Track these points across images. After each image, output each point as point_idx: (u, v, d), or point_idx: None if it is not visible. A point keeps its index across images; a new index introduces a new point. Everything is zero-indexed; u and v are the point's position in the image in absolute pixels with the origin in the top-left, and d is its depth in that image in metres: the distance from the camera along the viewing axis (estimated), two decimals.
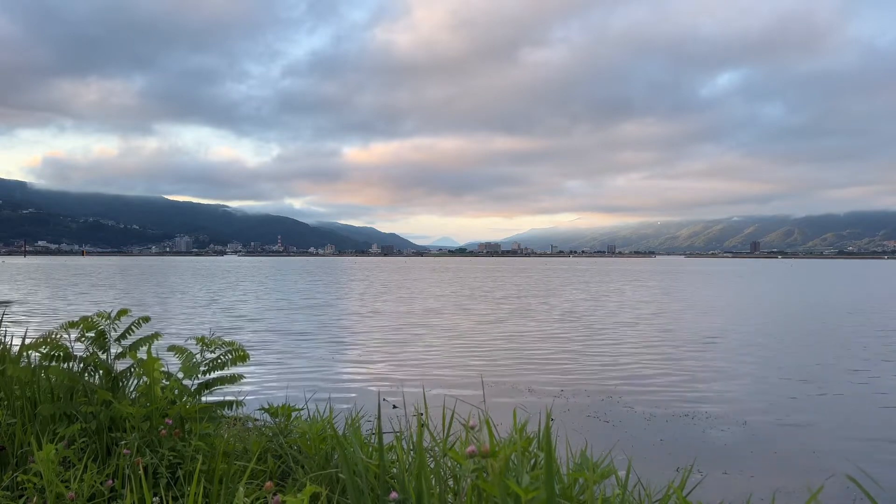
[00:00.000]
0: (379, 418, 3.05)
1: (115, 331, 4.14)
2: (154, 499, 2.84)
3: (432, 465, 2.94)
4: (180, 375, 3.91)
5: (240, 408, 4.20)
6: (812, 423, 9.55)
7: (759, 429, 9.22)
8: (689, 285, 56.11)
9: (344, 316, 26.50)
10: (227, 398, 4.19)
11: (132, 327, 4.19)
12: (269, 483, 2.60)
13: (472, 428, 2.63)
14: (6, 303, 30.41)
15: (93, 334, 4.04)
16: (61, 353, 3.94)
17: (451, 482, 2.89)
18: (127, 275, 75.18)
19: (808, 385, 12.41)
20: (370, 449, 3.46)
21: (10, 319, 17.23)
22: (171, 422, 3.53)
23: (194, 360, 3.97)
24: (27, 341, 4.26)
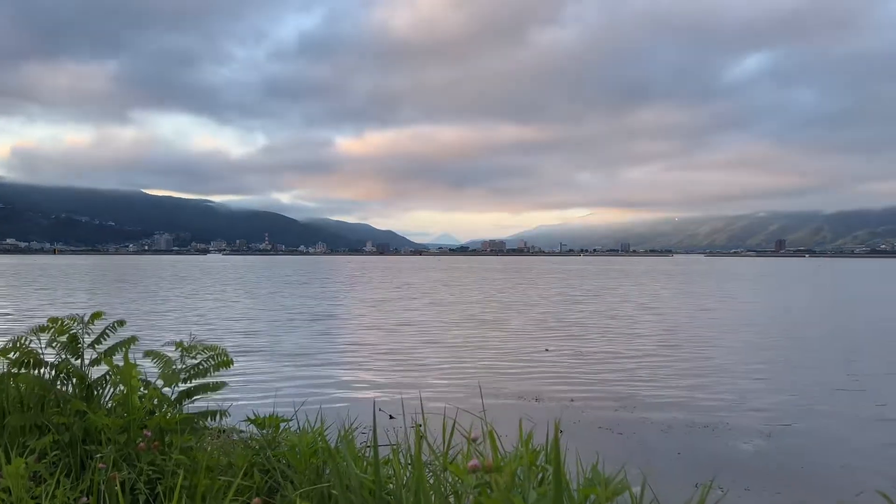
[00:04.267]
0: (374, 430, 3.05)
1: (89, 335, 4.14)
2: None
3: (432, 481, 2.94)
4: (159, 383, 3.91)
5: (224, 418, 4.20)
6: (842, 436, 9.55)
7: (786, 441, 9.23)
8: (707, 286, 56.09)
9: (336, 320, 26.51)
10: (210, 408, 4.19)
11: (107, 331, 4.19)
12: (256, 500, 2.61)
13: (475, 440, 2.63)
14: None
15: (65, 339, 4.04)
16: (31, 360, 3.94)
17: (451, 499, 2.89)
18: (101, 275, 75.25)
19: (839, 395, 12.41)
20: (365, 463, 3.46)
21: None
22: (149, 434, 3.53)
23: (174, 366, 3.97)
24: None
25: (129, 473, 3.31)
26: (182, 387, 3.99)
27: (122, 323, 4.27)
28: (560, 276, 79.15)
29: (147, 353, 4.06)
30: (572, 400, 11.70)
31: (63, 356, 4.03)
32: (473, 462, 2.00)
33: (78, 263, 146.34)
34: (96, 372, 4.12)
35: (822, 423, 10.19)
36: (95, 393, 4.05)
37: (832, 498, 6.87)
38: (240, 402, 10.05)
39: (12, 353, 3.94)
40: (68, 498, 3.05)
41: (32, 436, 3.77)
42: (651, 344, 19.21)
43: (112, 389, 4.08)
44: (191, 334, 4.25)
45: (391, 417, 9.34)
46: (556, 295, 43.11)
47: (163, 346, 4.27)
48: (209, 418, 4.12)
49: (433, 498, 2.61)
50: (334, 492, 3.07)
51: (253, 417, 4.34)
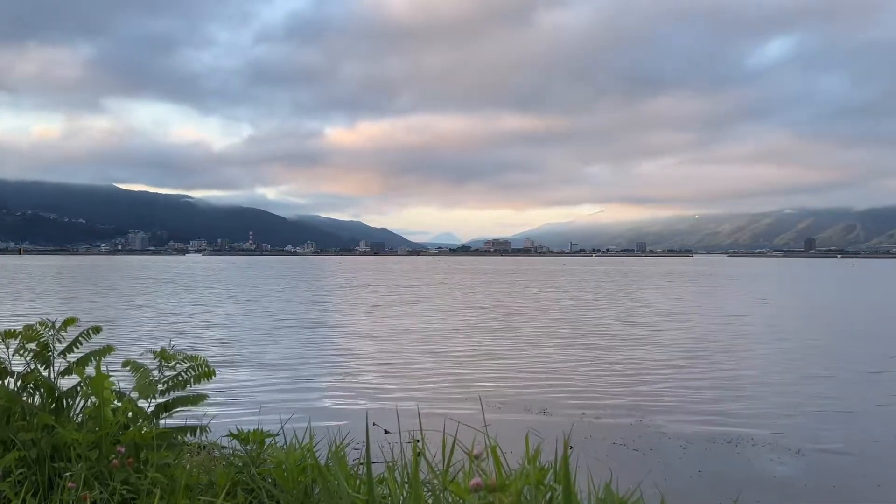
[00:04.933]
0: (368, 445, 3.05)
1: (61, 343, 4.14)
2: None
3: (430, 501, 2.95)
4: (135, 395, 3.92)
5: (204, 433, 4.21)
6: (877, 454, 9.55)
7: (817, 458, 9.23)
8: (734, 290, 56.09)
9: (327, 328, 26.52)
10: (190, 422, 4.19)
11: (80, 339, 4.20)
12: None
13: (477, 457, 2.63)
14: None
15: (34, 347, 4.04)
16: None
17: None
18: (71, 277, 75.27)
19: (876, 410, 12.41)
20: (357, 482, 3.46)
21: None
22: (123, 450, 3.53)
23: (151, 377, 3.98)
24: None
25: (101, 493, 3.32)
26: (159, 399, 3.99)
27: (97, 330, 4.27)
28: (571, 279, 79.16)
29: (124, 364, 4.06)
30: (583, 413, 11.70)
31: (31, 365, 4.04)
32: (476, 481, 2.01)
33: (45, 264, 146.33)
34: (67, 383, 4.12)
35: (856, 440, 10.19)
36: (65, 406, 4.05)
37: None
38: (222, 416, 10.06)
39: None
40: None
41: None
42: (671, 353, 19.21)
43: (83, 402, 4.08)
44: (169, 343, 4.26)
45: (386, 432, 9.33)
46: (568, 299, 43.13)
47: (139, 355, 4.28)
48: (188, 433, 4.13)
49: None
50: None
51: (236, 432, 4.34)
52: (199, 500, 3.49)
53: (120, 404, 3.90)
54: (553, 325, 26.64)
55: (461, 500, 2.43)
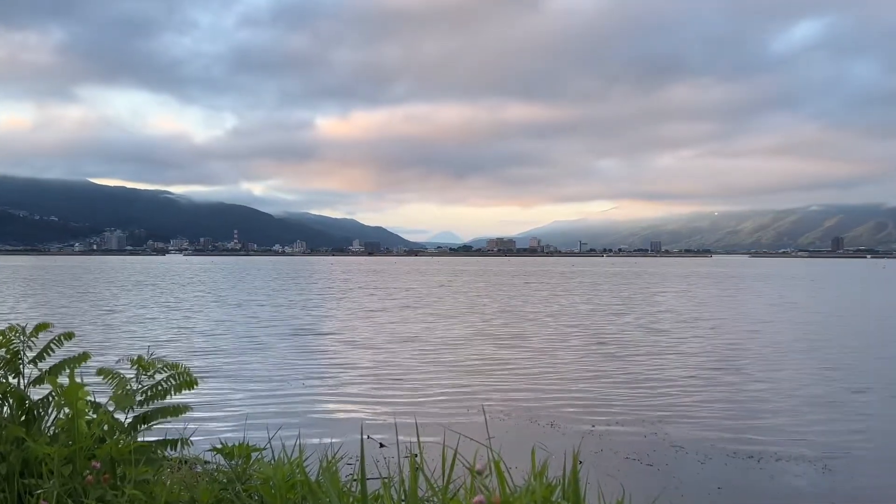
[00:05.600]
0: (362, 460, 3.06)
1: (32, 350, 4.14)
2: None
3: None
4: (111, 406, 3.92)
5: (186, 447, 4.21)
6: None
7: (844, 473, 9.23)
8: (760, 293, 56.12)
9: (317, 333, 26.53)
10: (170, 435, 4.19)
11: (52, 346, 4.20)
12: None
13: (480, 472, 2.63)
14: None
15: (3, 354, 4.04)
16: None
17: None
18: (42, 279, 75.31)
19: None
20: (351, 499, 3.46)
21: None
22: (98, 465, 3.53)
23: (129, 386, 3.98)
24: None
25: None
26: (137, 411, 3.99)
27: (70, 336, 4.27)
28: (583, 281, 79.20)
29: (100, 372, 4.05)
30: (594, 425, 11.71)
31: (1, 374, 4.04)
32: (478, 498, 2.01)
33: (15, 265, 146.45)
34: (39, 393, 4.12)
35: (887, 457, 10.19)
36: (37, 417, 4.05)
37: None
38: (205, 429, 10.06)
39: None
40: None
41: None
42: (692, 361, 19.22)
43: (56, 413, 4.08)
44: (148, 350, 4.26)
45: (381, 446, 9.36)
46: (583, 303, 43.16)
47: (116, 363, 4.28)
48: (169, 447, 4.13)
49: None
50: None
51: (220, 446, 4.34)
52: None
53: (95, 416, 3.89)
54: (565, 332, 26.65)
55: None
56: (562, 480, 2.80)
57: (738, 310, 37.76)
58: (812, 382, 15.90)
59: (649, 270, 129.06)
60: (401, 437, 4.80)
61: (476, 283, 72.37)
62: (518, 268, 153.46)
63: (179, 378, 4.05)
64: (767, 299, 47.10)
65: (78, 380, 3.88)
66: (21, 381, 4.07)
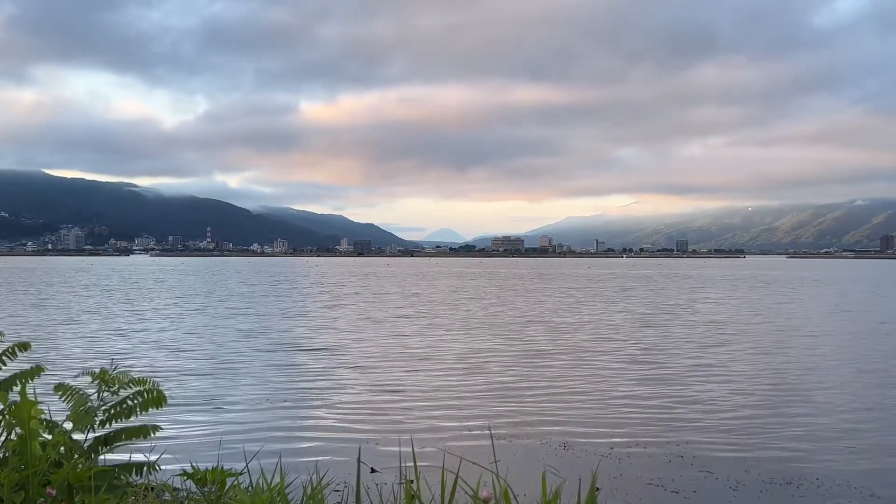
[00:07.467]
0: (358, 485, 3.06)
1: None
2: None
3: None
4: (69, 426, 3.92)
5: (153, 472, 4.21)
6: None
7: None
8: (808, 299, 56.12)
9: (299, 343, 26.54)
10: (136, 458, 4.19)
11: (2, 357, 4.20)
12: None
13: (485, 501, 2.64)
14: None
15: None
16: None
17: None
18: None
19: None
20: None
21: None
22: (54, 492, 3.53)
23: (89, 403, 3.98)
24: None
25: None
26: (99, 431, 3.99)
27: (25, 347, 4.27)
28: (608, 285, 79.21)
29: (57, 388, 4.05)
30: (612, 447, 11.71)
31: None
32: None
33: None
34: None
35: None
36: None
37: None
38: (174, 451, 10.06)
39: None
40: None
41: None
42: (715, 371, 19.20)
43: (6, 433, 4.08)
44: (111, 362, 4.26)
45: (373, 471, 9.37)
46: (618, 311, 43.17)
47: (74, 377, 4.28)
48: (134, 472, 4.13)
49: None
50: None
51: (191, 471, 4.34)
52: None
53: (51, 437, 3.89)
54: (588, 344, 26.66)
55: None
56: None
57: (788, 321, 37.71)
58: (864, 407, 15.71)
59: (680, 273, 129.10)
60: (395, 462, 4.80)
61: (486, 287, 72.39)
62: (526, 270, 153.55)
63: (146, 394, 4.06)
64: (822, 305, 47.10)
65: (31, 396, 3.88)
66: None
